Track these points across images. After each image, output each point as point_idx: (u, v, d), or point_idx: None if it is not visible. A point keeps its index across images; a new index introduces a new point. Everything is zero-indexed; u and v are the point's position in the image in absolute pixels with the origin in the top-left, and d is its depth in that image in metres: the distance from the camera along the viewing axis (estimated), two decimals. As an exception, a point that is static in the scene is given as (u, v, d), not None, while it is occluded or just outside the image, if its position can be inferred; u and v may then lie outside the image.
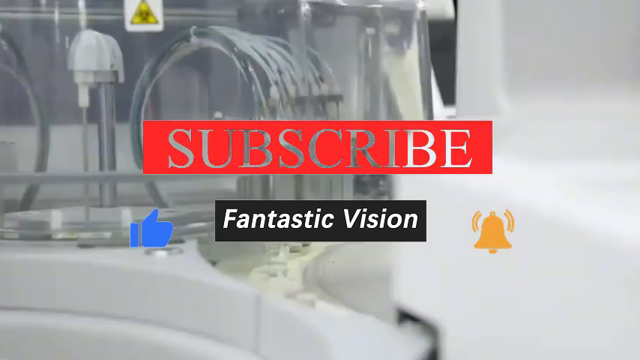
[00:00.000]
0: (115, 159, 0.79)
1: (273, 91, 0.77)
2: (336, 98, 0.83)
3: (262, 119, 0.77)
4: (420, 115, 0.94)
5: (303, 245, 0.76)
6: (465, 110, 0.66)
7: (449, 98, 0.94)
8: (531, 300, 0.38)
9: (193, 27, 0.78)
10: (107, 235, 0.71)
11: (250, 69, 0.76)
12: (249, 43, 0.77)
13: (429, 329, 0.45)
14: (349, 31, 0.91)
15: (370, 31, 0.86)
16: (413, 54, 0.90)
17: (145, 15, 0.67)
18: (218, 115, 0.78)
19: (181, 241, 0.68)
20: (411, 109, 0.94)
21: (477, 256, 0.41)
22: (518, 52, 0.62)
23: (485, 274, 0.41)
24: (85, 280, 0.63)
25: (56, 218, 0.72)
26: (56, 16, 0.81)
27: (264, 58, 0.77)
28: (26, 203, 0.82)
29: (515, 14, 0.62)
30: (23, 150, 0.82)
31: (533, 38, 0.63)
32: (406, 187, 0.47)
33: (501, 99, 0.62)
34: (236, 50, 0.77)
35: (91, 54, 0.72)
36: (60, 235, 0.71)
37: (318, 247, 0.76)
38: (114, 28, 0.77)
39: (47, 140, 0.84)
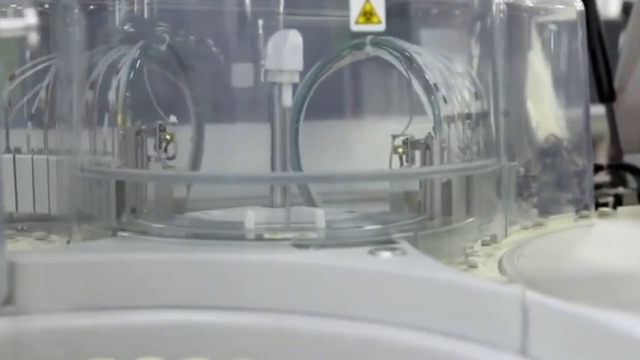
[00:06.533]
0: (286, 159, 0.79)
1: (447, 109, 0.77)
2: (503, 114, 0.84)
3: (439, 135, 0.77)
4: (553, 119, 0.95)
5: (491, 240, 0.76)
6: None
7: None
8: None
9: (369, 36, 0.78)
10: (313, 235, 0.71)
11: (432, 85, 0.76)
12: (420, 56, 0.78)
13: None
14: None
15: (553, 27, 0.87)
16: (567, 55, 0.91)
17: (368, 15, 0.67)
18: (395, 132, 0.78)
19: (393, 242, 0.68)
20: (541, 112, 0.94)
21: None
22: None
23: None
24: (317, 281, 0.63)
25: (250, 218, 0.72)
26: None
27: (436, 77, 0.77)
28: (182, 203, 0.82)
29: None
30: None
31: None
32: None
33: None
34: (413, 65, 0.77)
35: (297, 53, 0.72)
36: (266, 236, 0.71)
37: (506, 241, 0.78)
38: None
39: (202, 140, 0.84)
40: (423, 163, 0.76)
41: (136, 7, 0.77)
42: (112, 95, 0.75)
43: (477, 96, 0.80)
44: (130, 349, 0.62)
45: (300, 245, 0.68)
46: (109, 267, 0.64)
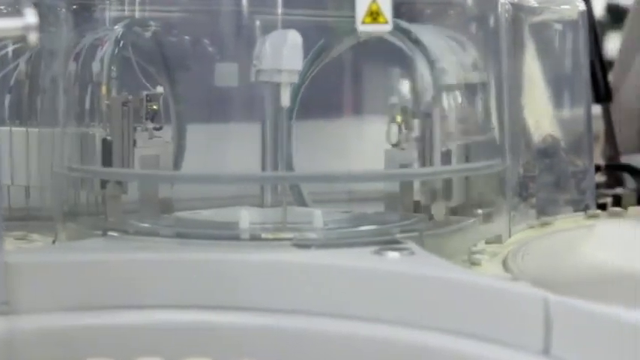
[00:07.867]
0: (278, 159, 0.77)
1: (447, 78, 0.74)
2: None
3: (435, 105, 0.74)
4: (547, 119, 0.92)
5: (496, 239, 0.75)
6: None
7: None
8: None
9: None
10: (312, 235, 0.68)
11: (431, 55, 0.73)
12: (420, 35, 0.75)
13: None
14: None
15: (558, 27, 0.85)
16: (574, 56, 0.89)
17: (375, 15, 0.64)
18: (394, 100, 0.75)
19: (398, 242, 0.65)
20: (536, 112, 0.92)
21: None
22: None
23: None
24: (323, 281, 0.60)
25: (244, 218, 0.69)
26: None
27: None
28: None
29: None
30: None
31: None
32: None
33: None
34: (413, 38, 0.74)
35: (298, 53, 0.70)
36: (264, 235, 0.68)
37: (510, 240, 0.77)
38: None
39: (184, 139, 0.81)
40: (423, 132, 0.73)
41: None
42: (96, 66, 0.73)
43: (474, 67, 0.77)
44: (126, 349, 0.59)
45: (301, 245, 0.65)
46: (104, 267, 0.61)
